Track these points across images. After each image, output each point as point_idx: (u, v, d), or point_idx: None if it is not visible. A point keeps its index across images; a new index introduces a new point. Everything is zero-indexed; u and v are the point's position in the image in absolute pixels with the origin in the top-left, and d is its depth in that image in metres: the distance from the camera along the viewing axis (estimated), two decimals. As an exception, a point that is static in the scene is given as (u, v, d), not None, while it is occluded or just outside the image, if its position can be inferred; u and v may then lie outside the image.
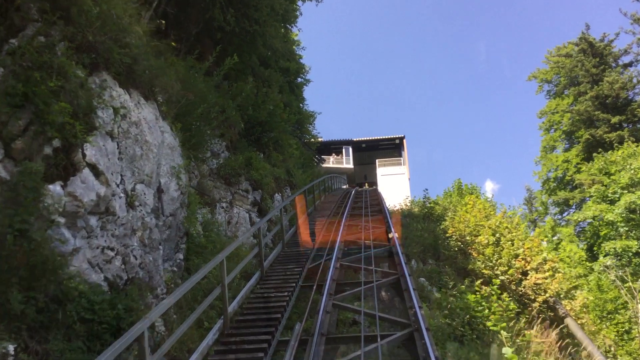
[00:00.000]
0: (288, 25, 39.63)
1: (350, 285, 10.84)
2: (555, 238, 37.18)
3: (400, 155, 55.25)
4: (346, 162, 54.05)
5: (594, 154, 42.27)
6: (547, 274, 18.07)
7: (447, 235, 19.91)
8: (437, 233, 20.24)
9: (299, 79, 45.44)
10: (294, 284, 10.34)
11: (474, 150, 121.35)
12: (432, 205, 22.88)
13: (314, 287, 10.36)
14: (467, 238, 19.74)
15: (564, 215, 45.81)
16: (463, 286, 15.09)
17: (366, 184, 58.09)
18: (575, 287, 21.10)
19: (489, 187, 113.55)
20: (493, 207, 23.61)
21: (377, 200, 24.85)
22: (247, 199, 15.73)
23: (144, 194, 7.97)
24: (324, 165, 49.25)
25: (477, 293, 14.06)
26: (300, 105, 46.16)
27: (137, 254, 7.41)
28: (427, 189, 30.53)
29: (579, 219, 29.91)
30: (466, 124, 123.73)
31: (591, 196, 29.93)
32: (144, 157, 8.19)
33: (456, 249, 19.38)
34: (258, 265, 11.19)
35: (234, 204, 15.42)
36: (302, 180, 24.31)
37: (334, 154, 54.16)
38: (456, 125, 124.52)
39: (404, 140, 55.34)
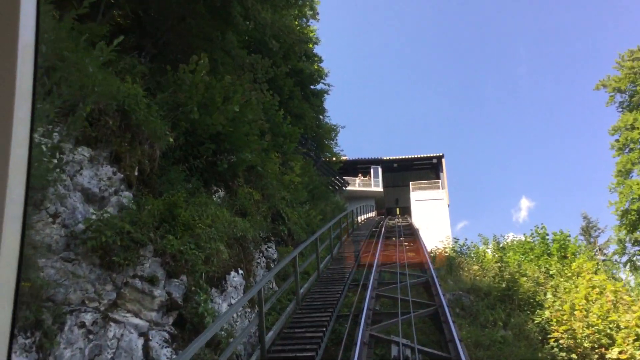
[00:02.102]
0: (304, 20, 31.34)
1: None
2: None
3: (437, 177, 45.93)
4: (374, 184, 45.05)
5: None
6: None
7: (551, 338, 10.81)
8: (528, 332, 11.15)
9: (319, 86, 36.90)
10: None
11: (509, 165, 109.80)
12: (514, 276, 13.41)
13: None
14: (586, 345, 10.56)
15: (646, 256, 35.77)
16: None
17: (397, 210, 48.94)
18: None
19: (525, 205, 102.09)
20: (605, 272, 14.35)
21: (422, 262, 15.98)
22: (152, 299, 7.05)
23: None
24: (349, 188, 40.43)
25: None
26: (321, 117, 37.56)
27: None
28: (503, 249, 19.05)
29: None
30: (503, 138, 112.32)
31: None
32: None
33: (569, 367, 10.22)
34: None
35: (119, 309, 6.78)
36: (304, 225, 15.56)
37: (360, 175, 45.27)
38: (493, 140, 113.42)
39: (443, 160, 46.04)
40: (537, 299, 12.43)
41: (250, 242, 9.94)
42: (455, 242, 27.80)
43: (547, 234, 19.87)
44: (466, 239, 26.43)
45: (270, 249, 11.77)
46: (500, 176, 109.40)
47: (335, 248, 16.62)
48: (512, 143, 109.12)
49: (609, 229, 59.46)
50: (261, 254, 11.01)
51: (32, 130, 1.06)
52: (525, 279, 13.26)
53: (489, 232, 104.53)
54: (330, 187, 34.77)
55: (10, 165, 0.97)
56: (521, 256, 18.22)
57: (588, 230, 49.20)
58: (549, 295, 12.16)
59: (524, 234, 23.13)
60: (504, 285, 12.76)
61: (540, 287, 13.08)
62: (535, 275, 13.98)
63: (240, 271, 9.02)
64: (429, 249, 27.76)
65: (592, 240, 49.16)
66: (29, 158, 1.06)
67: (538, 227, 20.55)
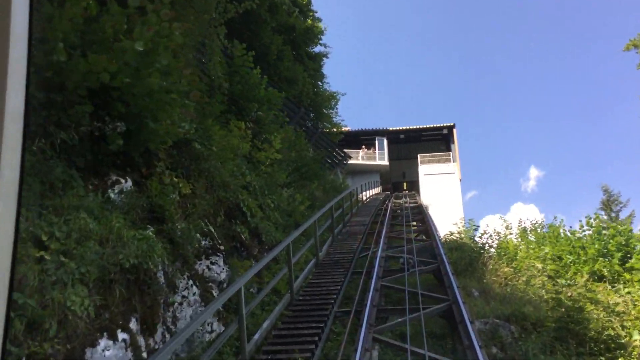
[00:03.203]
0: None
1: None
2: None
3: (448, 149, 41.51)
4: (379, 157, 40.73)
5: None
6: None
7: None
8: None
9: (317, 49, 32.29)
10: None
11: (518, 133, 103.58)
12: (580, 302, 9.01)
13: None
14: None
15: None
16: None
17: (405, 185, 44.76)
18: None
19: (533, 174, 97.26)
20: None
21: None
22: None
23: None
24: (351, 162, 36.23)
25: None
26: (319, 83, 33.09)
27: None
28: (559, 260, 13.87)
29: None
30: (512, 106, 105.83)
31: None
32: None
33: None
34: None
35: None
36: (280, 219, 11.45)
37: (364, 148, 40.97)
38: (501, 108, 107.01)
39: (454, 130, 41.52)
40: (609, 333, 8.30)
41: (155, 272, 5.80)
42: (473, 227, 23.60)
43: (603, 227, 15.54)
44: (487, 226, 22.20)
45: (215, 266, 7.66)
46: (509, 145, 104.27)
47: (324, 246, 12.53)
48: (521, 110, 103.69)
49: (632, 202, 54.84)
50: (192, 282, 6.88)
51: (27, 125, 0.99)
52: (593, 308, 9.00)
53: (497, 202, 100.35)
54: (328, 162, 30.59)
55: (2, 158, 0.92)
56: (568, 256, 14.03)
57: (609, 204, 44.85)
58: (635, 336, 8.04)
59: (556, 226, 18.82)
60: (560, 312, 8.54)
61: (613, 316, 8.87)
62: (612, 299, 9.68)
63: (123, 334, 4.90)
64: (441, 234, 23.66)
65: (613, 215, 44.99)
66: (23, 152, 1.00)
67: (590, 218, 16.30)
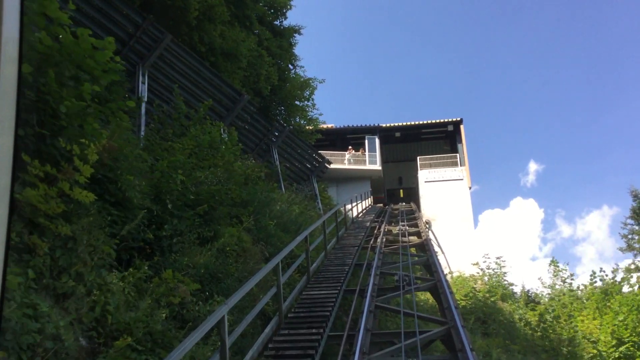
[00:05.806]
0: None
1: None
2: None
3: (455, 150, 33.34)
4: (370, 160, 32.54)
5: None
6: None
7: None
8: None
9: (287, 22, 24.18)
10: None
11: (515, 126, 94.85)
12: None
13: None
14: None
15: None
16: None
17: (401, 192, 36.66)
18: None
19: (533, 169, 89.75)
20: None
21: None
22: None
23: None
24: (335, 166, 28.17)
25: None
26: (290, 66, 24.96)
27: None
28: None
29: None
30: (507, 99, 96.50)
31: None
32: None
33: None
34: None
35: None
36: None
37: (351, 149, 32.86)
38: (499, 100, 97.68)
39: (461, 127, 33.38)
40: None
41: None
42: (500, 268, 15.55)
43: None
44: (548, 295, 13.92)
45: None
46: (507, 139, 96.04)
47: None
48: (519, 104, 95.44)
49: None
50: None
51: (17, 126, 0.99)
52: None
53: (496, 197, 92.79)
54: (296, 168, 22.56)
55: None
56: None
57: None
58: None
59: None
60: None
61: None
62: None
63: None
64: (450, 270, 15.68)
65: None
66: (14, 155, 0.99)
67: None
